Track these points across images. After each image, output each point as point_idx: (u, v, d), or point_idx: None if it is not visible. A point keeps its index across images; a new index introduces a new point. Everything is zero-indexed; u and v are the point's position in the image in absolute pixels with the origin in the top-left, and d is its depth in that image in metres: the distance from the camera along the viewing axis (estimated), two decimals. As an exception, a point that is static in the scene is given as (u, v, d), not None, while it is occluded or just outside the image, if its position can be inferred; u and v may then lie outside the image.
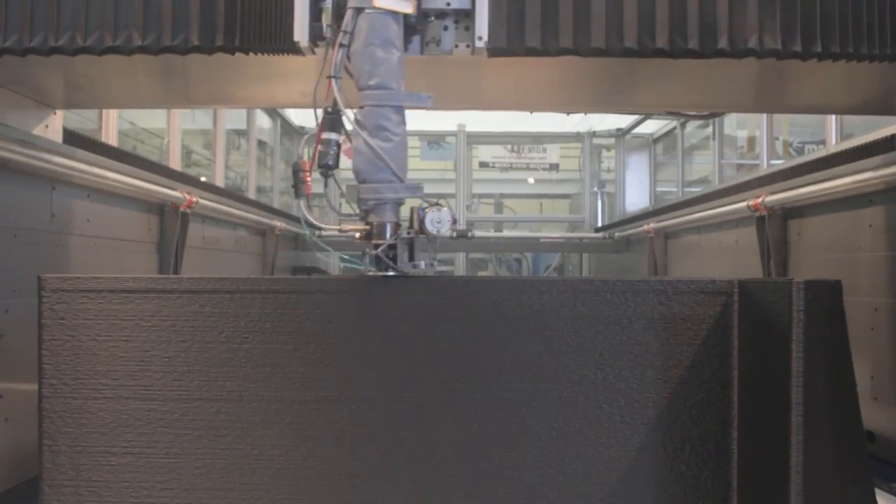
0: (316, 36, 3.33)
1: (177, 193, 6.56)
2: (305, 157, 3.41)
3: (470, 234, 13.42)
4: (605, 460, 3.14)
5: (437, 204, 3.18)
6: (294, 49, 3.44)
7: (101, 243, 5.36)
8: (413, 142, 16.99)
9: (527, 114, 11.74)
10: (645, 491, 3.13)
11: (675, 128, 12.53)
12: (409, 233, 3.19)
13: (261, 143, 12.58)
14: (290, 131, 14.29)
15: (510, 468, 3.14)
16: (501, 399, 3.14)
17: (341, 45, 3.19)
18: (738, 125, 10.80)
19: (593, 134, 14.69)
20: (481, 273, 16.99)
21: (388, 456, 3.15)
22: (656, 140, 13.88)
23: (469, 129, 14.21)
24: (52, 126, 4.96)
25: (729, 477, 3.11)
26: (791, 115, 9.40)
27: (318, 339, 3.16)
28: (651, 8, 3.48)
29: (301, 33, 3.33)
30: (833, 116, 6.97)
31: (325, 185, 3.35)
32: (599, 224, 14.37)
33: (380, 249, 3.17)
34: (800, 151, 9.63)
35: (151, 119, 8.92)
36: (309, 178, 3.30)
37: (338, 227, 3.30)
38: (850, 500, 2.93)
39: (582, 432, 3.14)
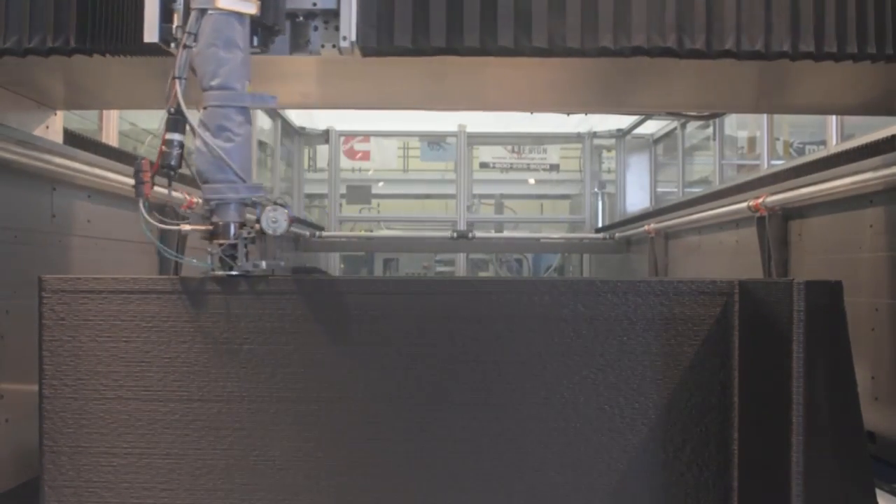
0: (166, 37, 3.31)
1: (177, 194, 6.55)
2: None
3: (470, 235, 13.45)
4: (606, 461, 3.13)
5: (276, 204, 3.17)
6: (147, 50, 3.43)
7: (101, 244, 5.36)
8: (413, 142, 17.02)
9: (527, 114, 11.74)
10: (646, 491, 3.13)
11: (675, 128, 12.52)
12: (249, 232, 3.19)
13: (261, 144, 12.58)
14: (291, 132, 14.29)
15: (510, 469, 3.14)
16: (502, 399, 3.14)
17: (185, 46, 3.19)
18: (738, 126, 10.79)
19: (594, 134, 14.67)
20: (482, 274, 16.98)
21: (389, 456, 3.15)
22: (657, 141, 13.86)
23: (469, 129, 14.20)
24: (53, 127, 4.96)
25: (730, 477, 3.11)
26: (791, 115, 9.40)
27: (319, 339, 3.16)
28: (594, 7, 3.48)
29: (151, 34, 3.31)
30: (834, 117, 6.97)
31: (169, 185, 3.31)
32: (600, 225, 14.36)
33: (221, 249, 3.18)
34: (800, 152, 9.63)
35: (152, 120, 8.92)
36: (149, 178, 3.25)
37: (178, 226, 3.28)
38: (851, 500, 2.93)
39: (582, 433, 3.14)
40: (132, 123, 8.74)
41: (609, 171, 15.36)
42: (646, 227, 10.46)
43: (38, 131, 4.79)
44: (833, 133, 7.04)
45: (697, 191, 10.94)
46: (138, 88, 4.86)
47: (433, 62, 3.68)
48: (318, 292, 3.20)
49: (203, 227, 3.24)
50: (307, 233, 12.35)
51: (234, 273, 3.18)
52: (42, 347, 3.18)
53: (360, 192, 15.85)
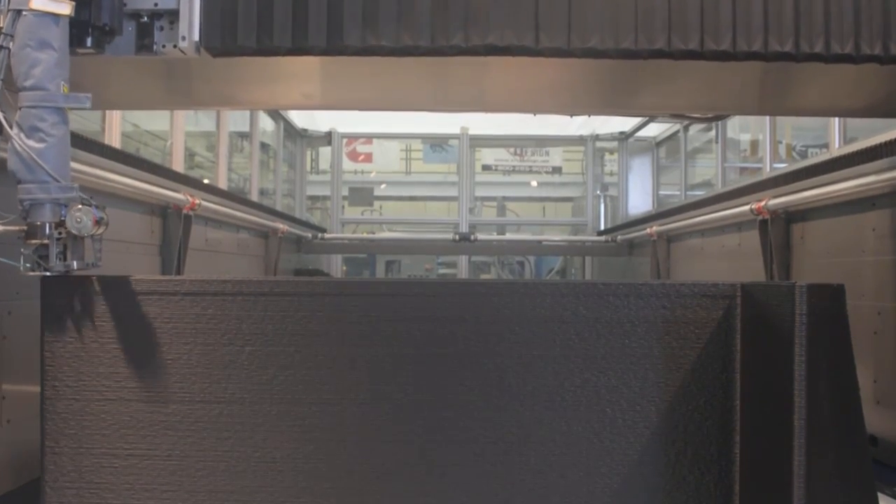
0: None
1: (180, 196, 6.56)
2: None
3: (472, 238, 13.44)
4: (607, 463, 3.13)
5: (86, 204, 3.17)
6: None
7: (103, 245, 5.36)
8: (416, 145, 17.02)
9: (529, 117, 11.74)
10: (647, 494, 3.13)
11: (678, 131, 12.52)
12: (60, 233, 3.18)
13: (263, 146, 12.59)
14: (294, 134, 14.30)
15: (512, 471, 3.14)
16: (503, 402, 3.14)
17: (2, 48, 3.17)
18: (740, 129, 10.79)
19: (596, 137, 14.68)
20: (484, 276, 16.98)
21: (391, 458, 3.15)
22: (659, 143, 13.86)
23: (472, 132, 14.21)
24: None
25: (731, 480, 3.11)
26: (794, 118, 9.39)
27: (321, 341, 3.16)
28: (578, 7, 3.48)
29: None
30: (836, 120, 6.97)
31: None
32: (602, 227, 14.36)
33: (32, 249, 3.17)
34: (803, 155, 9.62)
35: (154, 121, 8.93)
36: None
37: None
38: (853, 503, 2.92)
39: (584, 435, 3.13)
40: (135, 125, 8.74)
41: (611, 174, 15.36)
42: (648, 230, 10.46)
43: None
44: (835, 136, 7.04)
45: (700, 194, 10.93)
46: (138, 89, 4.86)
47: (435, 63, 3.67)
48: (319, 294, 3.19)
49: (17, 228, 3.21)
50: (309, 235, 12.37)
51: (47, 273, 3.17)
52: (44, 348, 3.18)
53: (362, 194, 15.86)
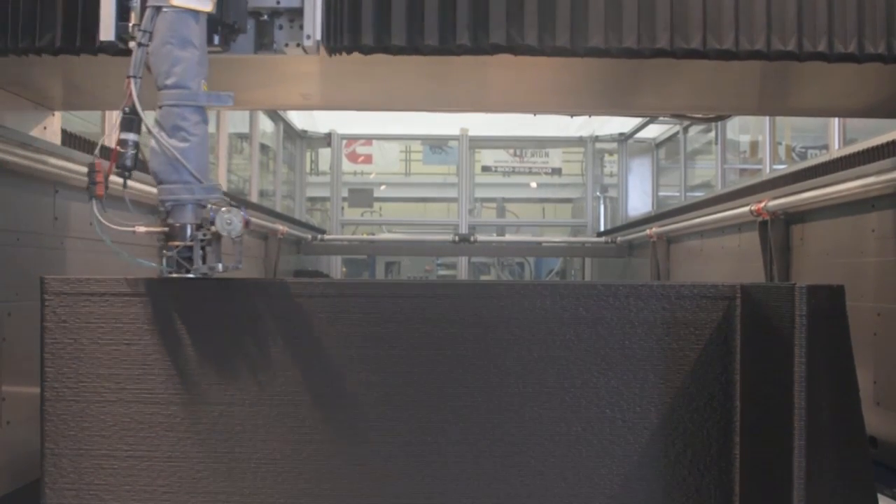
0: (122, 35, 3.28)
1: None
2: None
3: (472, 239, 13.44)
4: (608, 465, 3.13)
5: (231, 205, 3.13)
6: (103, 49, 3.43)
7: (103, 246, 5.35)
8: (416, 146, 17.04)
9: (529, 118, 11.74)
10: (647, 495, 3.13)
11: (677, 132, 12.53)
12: (204, 235, 3.14)
13: (263, 147, 12.59)
14: (293, 135, 14.30)
15: (512, 472, 3.13)
16: (503, 403, 3.14)
17: (140, 45, 3.15)
18: (740, 130, 10.80)
19: (596, 138, 14.68)
20: (483, 277, 16.99)
21: (390, 460, 3.15)
22: (659, 144, 13.87)
23: (472, 133, 14.22)
24: (51, 128, 4.95)
25: (731, 482, 3.10)
26: (794, 120, 9.39)
27: (320, 342, 3.16)
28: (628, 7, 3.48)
29: (107, 32, 3.29)
30: (836, 121, 6.97)
31: (125, 186, 3.27)
32: (602, 228, 14.36)
33: (175, 251, 3.13)
34: (802, 156, 9.63)
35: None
36: (101, 179, 3.21)
37: (132, 229, 3.22)
38: (853, 505, 2.92)
39: (584, 437, 3.13)
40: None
41: (611, 175, 15.37)
42: (648, 231, 10.46)
43: (36, 132, 4.77)
44: (835, 137, 7.04)
45: (699, 195, 10.94)
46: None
47: (436, 62, 3.67)
48: (319, 296, 3.19)
49: (158, 229, 3.18)
50: (309, 236, 12.37)
51: (189, 276, 3.14)
52: (43, 350, 3.18)
53: (362, 196, 15.87)
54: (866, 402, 3.05)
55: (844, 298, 2.94)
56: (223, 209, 3.10)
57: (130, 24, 3.22)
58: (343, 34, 3.47)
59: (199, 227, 3.13)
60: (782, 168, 8.17)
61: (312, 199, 15.89)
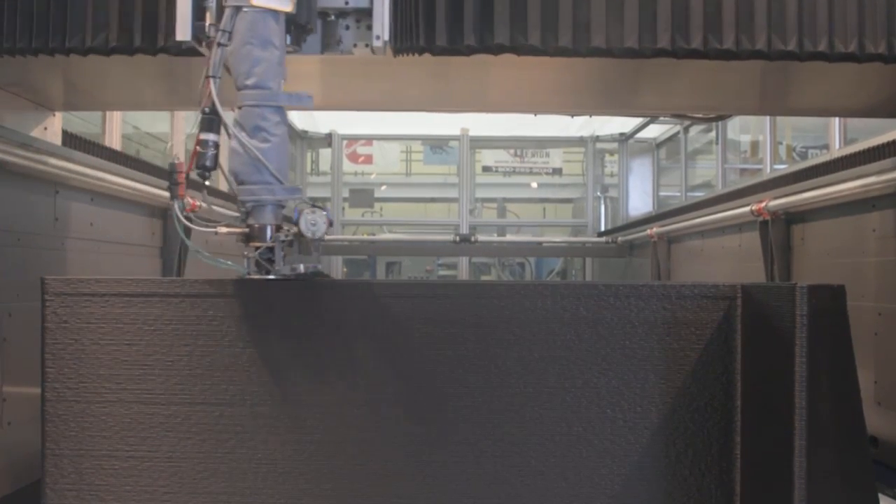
0: (199, 35, 3.27)
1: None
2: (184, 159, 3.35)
3: (473, 239, 13.43)
4: (608, 465, 3.13)
5: (314, 206, 3.13)
6: (178, 49, 3.42)
7: (104, 247, 5.37)
8: (416, 146, 17.03)
9: (530, 118, 11.73)
10: (648, 495, 3.13)
11: (678, 132, 12.52)
12: (286, 235, 3.14)
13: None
14: (294, 135, 14.29)
15: (513, 473, 3.14)
16: (504, 403, 3.14)
17: (219, 45, 3.14)
18: (741, 129, 10.80)
19: (596, 138, 14.66)
20: (484, 277, 16.98)
21: (391, 460, 3.15)
22: (659, 144, 13.85)
23: (472, 133, 14.20)
24: (51, 128, 4.95)
25: (732, 481, 3.10)
26: (794, 119, 9.39)
27: (321, 342, 3.16)
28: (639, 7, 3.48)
29: (183, 32, 3.29)
30: (836, 121, 6.97)
31: (204, 187, 3.28)
32: (602, 228, 14.35)
33: (257, 252, 3.13)
34: (803, 156, 9.63)
35: (155, 123, 8.93)
36: (183, 179, 3.21)
37: (214, 229, 3.22)
38: (854, 504, 2.92)
39: (585, 437, 3.13)
40: (135, 126, 8.74)
41: (612, 175, 15.35)
42: (648, 231, 10.45)
43: (36, 132, 4.78)
44: (836, 137, 7.04)
45: (700, 195, 10.93)
46: (137, 89, 4.86)
47: (436, 63, 3.67)
48: (320, 296, 3.19)
49: (239, 230, 3.17)
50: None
51: (270, 277, 3.13)
52: (44, 350, 3.18)
53: (362, 196, 15.85)
54: (867, 401, 3.05)
55: (845, 298, 2.94)
56: (308, 210, 3.10)
57: (206, 24, 3.21)
58: (414, 35, 3.45)
59: (278, 227, 3.13)
60: (783, 168, 8.17)
61: (313, 199, 15.89)
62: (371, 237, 14.74)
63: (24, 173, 4.35)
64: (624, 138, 14.41)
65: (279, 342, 3.16)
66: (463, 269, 14.94)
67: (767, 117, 8.69)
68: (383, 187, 16.77)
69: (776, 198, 6.45)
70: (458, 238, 13.01)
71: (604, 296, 3.15)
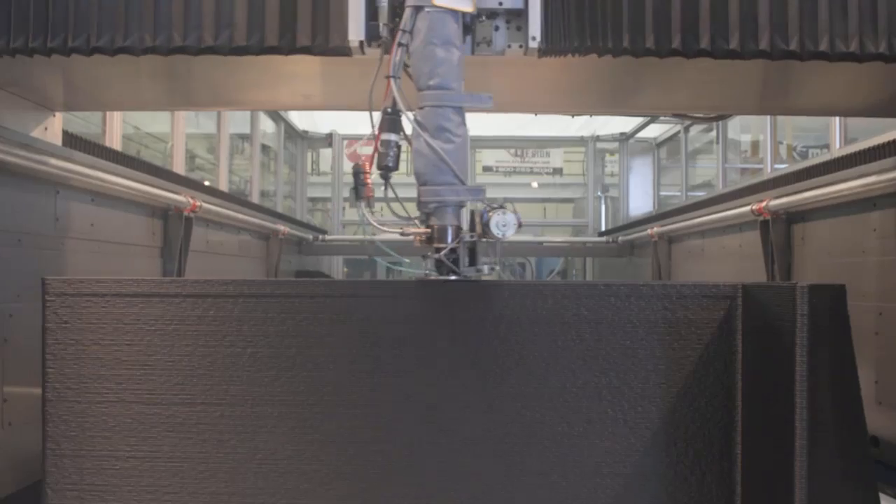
0: (372, 36, 3.29)
1: (180, 197, 6.56)
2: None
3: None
4: (609, 464, 3.13)
5: (501, 207, 3.11)
6: (342, 50, 3.42)
7: (104, 247, 5.37)
8: (417, 146, 16.98)
9: (530, 118, 11.74)
10: (649, 495, 3.13)
11: (678, 132, 12.53)
12: (471, 236, 3.13)
13: (264, 148, 12.60)
14: (294, 136, 14.30)
15: (513, 472, 3.13)
16: (505, 403, 3.14)
17: (400, 45, 3.14)
18: (741, 129, 10.80)
19: (597, 138, 14.68)
20: (485, 277, 16.96)
21: (392, 459, 3.15)
22: (660, 144, 13.86)
23: (472, 133, 14.20)
24: (52, 128, 4.95)
25: (733, 481, 3.10)
26: (795, 119, 9.39)
27: (322, 342, 3.16)
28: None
29: (357, 32, 3.30)
30: (837, 120, 6.97)
31: (386, 188, 3.27)
32: (603, 228, 14.36)
33: (442, 253, 3.12)
34: (803, 156, 9.63)
35: (155, 123, 8.93)
36: (370, 181, 3.22)
37: (399, 231, 3.22)
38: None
39: (585, 436, 3.13)
40: (136, 127, 8.74)
41: (612, 175, 15.37)
42: (649, 231, 10.46)
43: (37, 133, 4.77)
44: (836, 136, 7.04)
45: (700, 195, 10.93)
46: (138, 90, 4.85)
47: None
48: (321, 296, 3.19)
49: (423, 231, 3.17)
50: (310, 236, 12.37)
51: (452, 278, 3.12)
52: (45, 350, 3.18)
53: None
54: (868, 401, 3.05)
55: (846, 298, 2.94)
56: (498, 211, 3.09)
57: (381, 24, 3.22)
58: (566, 35, 3.45)
59: (459, 228, 3.13)
60: (783, 167, 8.17)
61: (313, 200, 15.88)
62: (372, 237, 14.74)
63: (24, 174, 4.35)
64: (624, 138, 14.42)
65: (279, 342, 3.16)
66: (464, 270, 14.92)
67: (768, 117, 8.70)
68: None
69: (777, 197, 6.45)
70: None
71: (604, 295, 3.15)
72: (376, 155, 3.24)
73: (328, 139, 14.73)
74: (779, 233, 6.47)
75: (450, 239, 3.13)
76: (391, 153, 3.22)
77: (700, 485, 3.11)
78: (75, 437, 3.17)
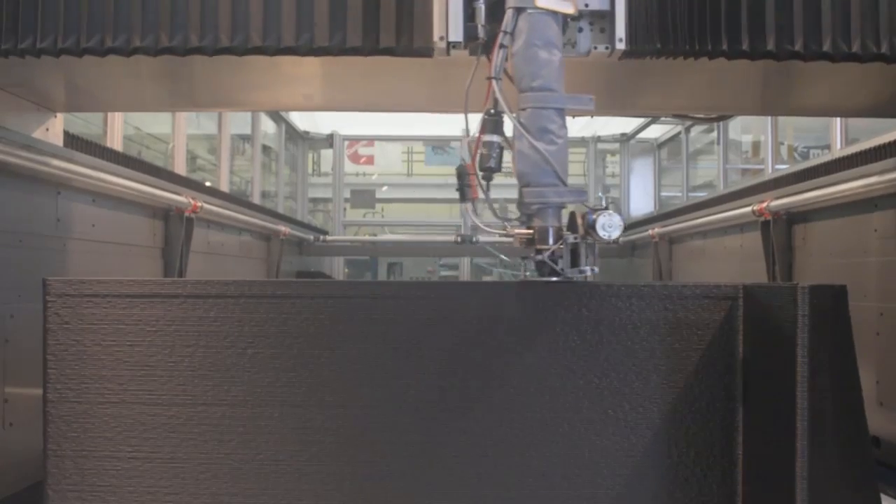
0: (470, 36, 3.28)
1: (182, 198, 6.57)
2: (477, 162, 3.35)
3: (474, 240, 13.43)
4: (610, 465, 3.13)
5: (605, 208, 3.09)
6: (425, 51, 3.44)
7: (106, 248, 5.37)
8: (418, 147, 17.04)
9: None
10: (650, 496, 3.12)
11: (679, 132, 12.53)
12: (574, 238, 3.12)
13: (265, 148, 12.60)
14: (295, 136, 14.31)
15: (514, 473, 3.13)
16: (505, 404, 3.14)
17: (501, 46, 3.13)
18: (742, 130, 10.80)
19: (598, 139, 14.68)
20: (486, 278, 16.98)
21: (393, 461, 3.15)
22: (661, 145, 13.86)
23: (473, 133, 14.20)
24: (53, 129, 4.95)
25: (734, 482, 3.10)
26: (796, 120, 9.39)
27: (323, 343, 3.16)
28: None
29: (456, 33, 3.30)
30: (838, 121, 6.97)
31: (487, 189, 3.29)
32: (604, 228, 14.32)
33: (545, 254, 3.12)
34: (804, 156, 9.63)
35: (156, 124, 8.94)
36: (475, 182, 3.24)
37: (502, 231, 3.22)
38: (856, 505, 2.92)
39: (586, 437, 3.13)
40: (137, 128, 8.75)
41: (613, 176, 15.37)
42: (650, 232, 10.46)
43: (38, 134, 4.77)
44: (837, 137, 7.04)
45: (701, 195, 10.93)
46: (139, 91, 4.86)
47: (437, 63, 3.67)
48: (321, 297, 3.19)
49: (526, 232, 3.17)
50: (311, 237, 12.38)
51: (553, 279, 3.12)
52: (46, 351, 3.18)
53: (364, 197, 15.89)
54: (869, 402, 3.04)
55: (847, 298, 2.94)
56: (605, 212, 3.07)
57: (479, 25, 3.22)
58: (650, 37, 3.47)
59: (560, 229, 3.13)
60: (784, 168, 8.17)
61: (314, 200, 15.90)
62: (372, 238, 14.75)
63: (26, 174, 4.36)
64: (625, 139, 14.43)
65: (280, 342, 3.16)
66: (464, 270, 14.95)
67: (769, 117, 8.70)
68: (385, 188, 16.79)
69: (778, 198, 6.45)
70: (459, 239, 13.01)
71: (605, 296, 3.15)
72: (478, 156, 3.24)
73: (329, 140, 14.74)
74: (780, 233, 6.47)
75: (551, 240, 3.13)
76: (494, 154, 3.23)
77: (701, 485, 3.11)
78: (76, 437, 3.17)
